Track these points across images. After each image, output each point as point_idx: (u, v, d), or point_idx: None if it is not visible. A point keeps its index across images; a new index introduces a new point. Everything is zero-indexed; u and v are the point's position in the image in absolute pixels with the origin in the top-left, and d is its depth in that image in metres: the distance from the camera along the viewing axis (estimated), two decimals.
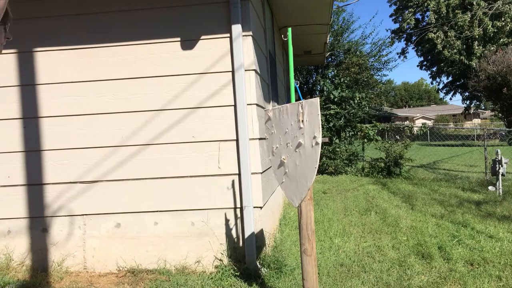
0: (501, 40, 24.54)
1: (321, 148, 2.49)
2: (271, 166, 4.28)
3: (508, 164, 6.97)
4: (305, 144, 2.26)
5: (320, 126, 2.16)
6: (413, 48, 31.95)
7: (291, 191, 2.39)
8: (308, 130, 2.23)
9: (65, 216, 3.58)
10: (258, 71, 3.80)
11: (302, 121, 2.25)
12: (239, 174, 3.45)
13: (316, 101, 2.18)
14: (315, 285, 2.41)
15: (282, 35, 2.56)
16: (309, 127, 2.21)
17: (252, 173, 3.44)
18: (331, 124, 10.34)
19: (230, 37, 3.43)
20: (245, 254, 3.41)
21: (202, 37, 3.49)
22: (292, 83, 2.53)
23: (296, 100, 2.54)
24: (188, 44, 3.51)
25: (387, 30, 59.25)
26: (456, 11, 25.05)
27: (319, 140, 2.16)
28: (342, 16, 16.38)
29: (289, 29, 2.52)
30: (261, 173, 3.55)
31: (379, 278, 3.19)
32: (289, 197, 2.44)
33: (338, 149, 9.96)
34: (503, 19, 23.86)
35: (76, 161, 3.58)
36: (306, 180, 2.28)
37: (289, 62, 2.54)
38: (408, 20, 28.31)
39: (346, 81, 11.20)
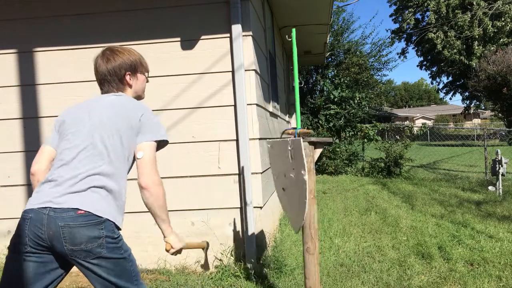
0: (501, 40, 24.53)
1: (322, 148, 2.51)
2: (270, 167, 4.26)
3: (508, 164, 6.97)
4: (296, 178, 2.32)
5: (305, 164, 2.20)
6: (413, 48, 31.98)
7: (292, 217, 2.46)
8: (295, 166, 2.29)
9: None
10: (258, 71, 3.80)
11: (292, 157, 2.31)
12: (239, 174, 3.45)
13: (298, 141, 2.23)
14: (317, 283, 2.41)
15: (287, 35, 2.56)
16: (296, 163, 2.28)
17: (252, 173, 3.44)
18: (331, 124, 10.34)
19: (230, 37, 3.43)
20: (245, 254, 3.41)
21: (202, 37, 3.49)
22: (297, 85, 2.52)
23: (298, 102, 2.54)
24: (188, 44, 3.51)
25: (387, 30, 59.29)
26: (456, 11, 25.04)
27: (305, 177, 2.21)
28: (342, 16, 16.36)
29: (293, 30, 2.53)
30: (261, 173, 3.55)
31: (379, 278, 3.19)
32: (291, 222, 2.50)
33: (338, 149, 9.96)
34: (503, 19, 23.85)
35: None
36: (303, 211, 2.31)
37: (293, 63, 2.51)
38: (408, 20, 28.30)
39: (346, 81, 11.20)
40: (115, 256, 1.55)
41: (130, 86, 1.81)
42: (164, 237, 1.73)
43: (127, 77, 1.79)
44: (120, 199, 1.66)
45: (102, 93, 1.79)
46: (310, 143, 2.39)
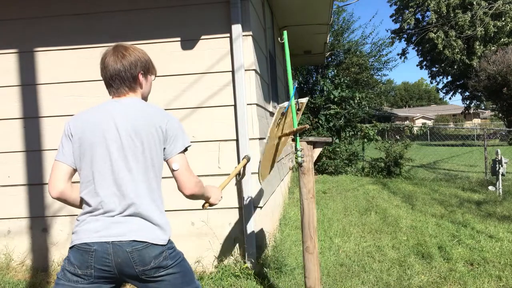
0: (502, 40, 24.54)
1: (321, 147, 2.54)
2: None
3: (508, 164, 6.97)
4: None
5: (265, 129, 2.49)
6: (413, 48, 31.92)
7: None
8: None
9: (65, 216, 3.58)
10: (258, 71, 3.81)
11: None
12: (239, 174, 3.45)
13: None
14: (317, 283, 2.41)
15: (279, 38, 2.55)
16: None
17: (252, 173, 3.44)
18: (331, 124, 10.32)
19: (230, 37, 3.43)
20: (245, 254, 3.41)
21: (202, 37, 3.49)
22: (291, 84, 2.53)
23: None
24: (188, 44, 3.51)
25: (387, 30, 59.22)
26: (457, 10, 25.05)
27: (264, 141, 2.53)
28: (342, 16, 16.36)
29: (285, 32, 2.49)
30: None
31: (379, 278, 3.19)
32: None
33: (338, 149, 9.95)
34: (503, 19, 23.85)
35: None
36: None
37: (286, 65, 2.53)
38: (408, 20, 28.28)
39: (346, 81, 11.17)
40: (177, 261, 1.62)
41: (141, 87, 1.71)
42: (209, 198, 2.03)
43: (140, 77, 1.68)
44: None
45: (110, 93, 1.69)
46: (309, 142, 2.39)
